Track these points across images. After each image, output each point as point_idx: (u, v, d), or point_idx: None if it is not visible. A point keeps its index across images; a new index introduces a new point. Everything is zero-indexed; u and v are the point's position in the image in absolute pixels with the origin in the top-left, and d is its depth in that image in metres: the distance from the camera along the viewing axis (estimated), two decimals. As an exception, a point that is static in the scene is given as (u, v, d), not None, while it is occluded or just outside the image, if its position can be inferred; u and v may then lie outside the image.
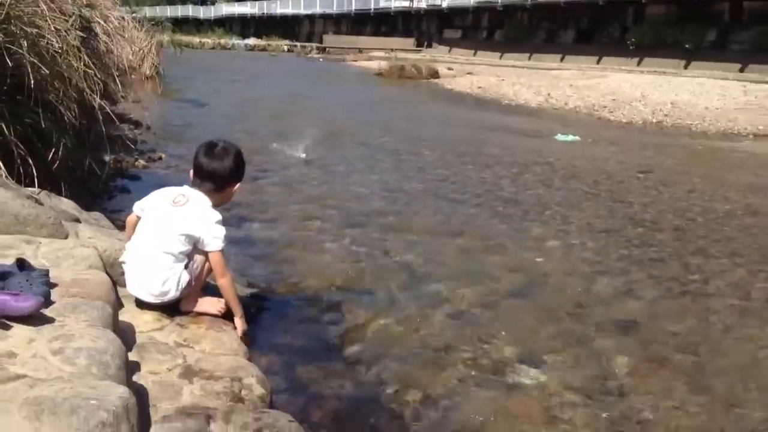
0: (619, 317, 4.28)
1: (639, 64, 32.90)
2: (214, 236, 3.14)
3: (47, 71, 4.73)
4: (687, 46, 31.52)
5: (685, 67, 30.54)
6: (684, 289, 4.87)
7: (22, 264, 2.59)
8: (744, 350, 3.91)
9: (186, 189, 3.28)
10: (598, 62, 34.89)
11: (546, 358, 3.64)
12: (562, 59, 37.62)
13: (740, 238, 6.24)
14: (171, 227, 3.10)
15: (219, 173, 3.29)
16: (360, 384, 3.26)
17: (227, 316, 3.29)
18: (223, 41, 55.27)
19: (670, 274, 5.17)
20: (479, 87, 24.45)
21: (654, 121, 16.59)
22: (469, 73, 29.78)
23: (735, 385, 3.48)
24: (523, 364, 3.54)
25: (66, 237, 3.43)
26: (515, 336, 3.91)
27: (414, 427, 2.93)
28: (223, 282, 3.20)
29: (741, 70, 28.11)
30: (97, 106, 5.75)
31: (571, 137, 12.95)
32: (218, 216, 3.21)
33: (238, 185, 3.40)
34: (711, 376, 3.56)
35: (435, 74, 29.08)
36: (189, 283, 3.14)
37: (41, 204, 3.68)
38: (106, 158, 6.60)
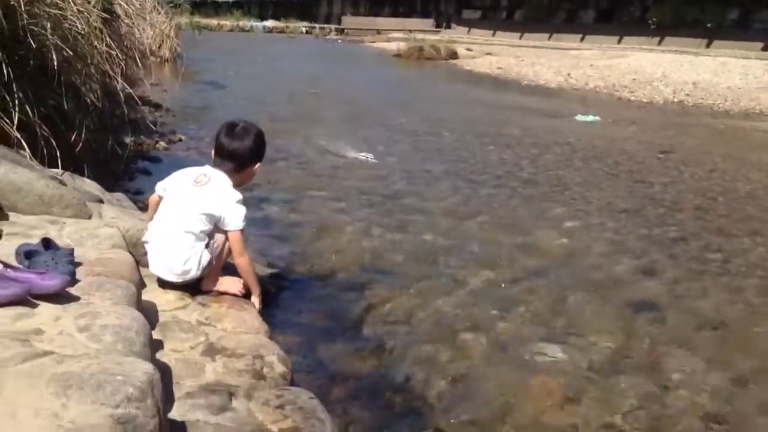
0: (640, 297, 4.27)
1: (660, 43, 32.53)
2: (234, 215, 3.17)
3: (70, 53, 4.76)
4: (708, 25, 31.11)
5: (707, 47, 30.16)
6: (704, 268, 4.84)
7: (47, 243, 2.63)
8: (765, 327, 3.89)
9: (207, 169, 3.31)
10: (618, 42, 34.53)
11: (566, 337, 3.64)
12: (582, 39, 37.26)
13: (762, 218, 6.19)
14: (192, 207, 3.13)
15: (239, 153, 3.31)
16: (379, 363, 3.29)
17: (248, 295, 3.33)
18: (241, 23, 55.17)
19: (690, 253, 5.14)
20: (498, 68, 24.32)
21: (675, 100, 16.43)
22: (488, 54, 29.61)
23: (758, 363, 3.47)
24: (543, 343, 3.55)
25: (89, 217, 3.48)
26: (535, 315, 3.91)
27: (434, 406, 2.95)
28: (242, 261, 3.24)
29: (764, 49, 27.72)
30: (119, 88, 5.78)
31: (591, 117, 12.86)
32: (239, 196, 3.23)
33: (258, 165, 3.42)
34: (733, 355, 3.55)
35: (454, 55, 28.93)
36: (210, 263, 3.17)
37: (65, 185, 3.73)
38: (128, 140, 6.64)
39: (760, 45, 28.26)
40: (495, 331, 3.68)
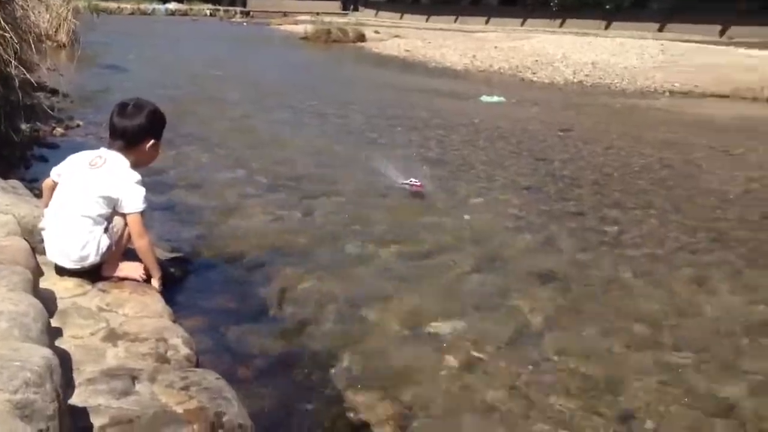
0: (540, 269, 4.42)
1: (561, 25, 33.47)
2: (133, 197, 3.10)
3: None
4: (607, 6, 32.16)
5: (606, 28, 31.25)
6: (601, 239, 5.06)
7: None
8: (656, 295, 4.11)
9: (103, 151, 3.22)
10: (522, 24, 35.34)
11: (470, 311, 3.75)
12: (487, 22, 37.94)
13: (654, 191, 6.49)
14: (89, 190, 3.05)
15: (129, 130, 3.23)
16: (287, 343, 3.30)
17: (150, 280, 3.27)
18: (142, 6, 53.36)
19: (588, 226, 5.36)
20: (406, 50, 24.46)
21: (575, 81, 16.94)
22: (396, 37, 29.74)
23: (648, 328, 3.66)
24: (447, 318, 3.64)
25: (-20, 205, 3.34)
26: (441, 290, 4.01)
27: (341, 382, 2.99)
28: (141, 244, 3.18)
29: (659, 30, 28.87)
30: (13, 74, 5.54)
31: (495, 98, 13.13)
32: (137, 176, 3.17)
33: (152, 142, 3.32)
34: (625, 321, 3.73)
35: (362, 38, 28.93)
36: (109, 248, 3.10)
37: (-47, 172, 3.57)
38: (23, 126, 6.39)
39: (656, 26, 29.44)
40: (401, 307, 3.75)
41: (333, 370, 3.07)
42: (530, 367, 3.20)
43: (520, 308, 3.81)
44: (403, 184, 6.00)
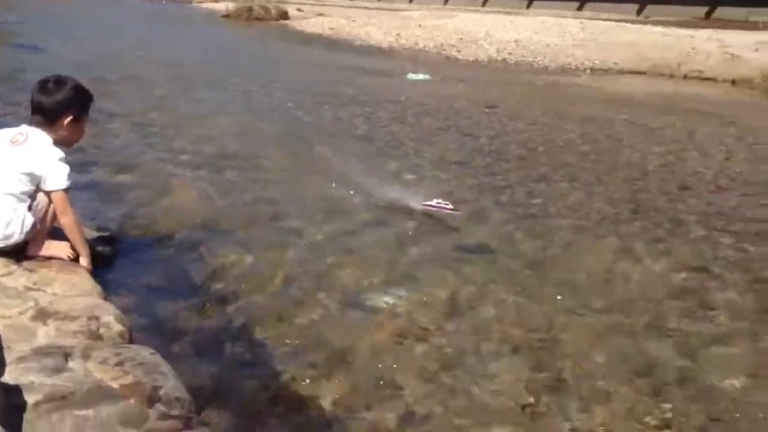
0: (469, 242, 4.50)
1: (484, 4, 33.70)
2: (57, 174, 3.02)
3: None
4: (529, -15, 32.56)
5: (527, 7, 31.61)
6: (528, 212, 5.18)
7: None
8: (583, 263, 4.24)
9: (24, 128, 3.12)
10: (445, 3, 35.41)
11: (401, 283, 3.80)
12: (410, 0, 37.89)
13: (578, 164, 6.67)
14: (11, 167, 2.96)
15: (47, 105, 3.13)
16: (221, 319, 3.29)
17: (78, 259, 3.19)
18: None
19: (515, 199, 5.47)
20: (330, 28, 24.27)
21: (499, 58, 17.16)
22: (320, 15, 29.42)
23: (576, 294, 3.78)
24: (379, 290, 3.69)
25: None
26: (373, 264, 4.04)
27: (277, 355, 3.00)
28: (65, 220, 3.10)
29: (578, 9, 29.45)
30: None
31: (421, 76, 13.20)
32: (61, 154, 3.08)
33: (70, 118, 3.20)
34: (555, 289, 3.84)
35: (285, 15, 28.52)
36: (34, 225, 3.02)
37: None
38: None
39: (575, 5, 29.99)
40: (334, 281, 3.78)
41: (268, 345, 3.08)
42: (464, 335, 3.28)
43: (453, 279, 3.88)
44: (426, 206, 4.96)
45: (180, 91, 9.64)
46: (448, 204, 4.91)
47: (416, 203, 4.97)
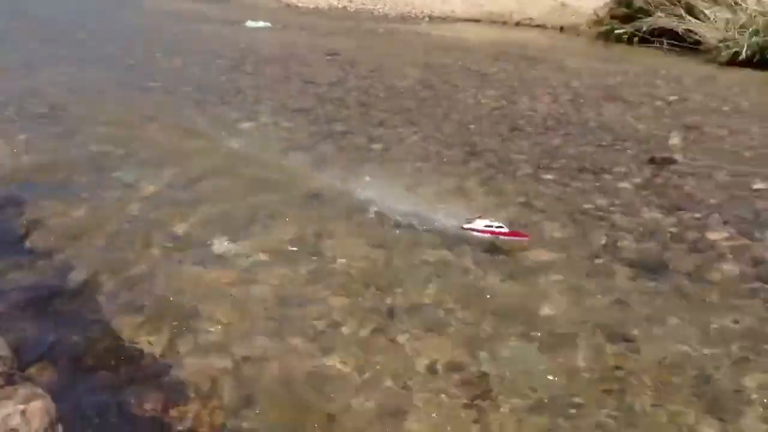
0: (312, 187, 4.53)
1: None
2: None
3: None
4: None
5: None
6: (367, 156, 5.26)
7: None
8: (417, 205, 4.39)
9: None
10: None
11: (242, 228, 3.78)
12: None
13: (417, 110, 6.82)
14: None
15: None
16: (47, 275, 3.13)
17: None
18: None
19: (356, 144, 5.54)
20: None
21: (339, 6, 17.12)
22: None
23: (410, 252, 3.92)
24: (221, 237, 3.64)
25: None
26: (212, 212, 3.98)
27: (107, 308, 2.91)
28: None
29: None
30: None
31: (261, 23, 12.98)
32: None
33: None
34: (383, 230, 3.95)
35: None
36: None
37: None
38: None
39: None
40: (171, 230, 3.70)
41: (99, 298, 2.98)
42: (305, 274, 3.34)
43: (293, 224, 3.89)
44: (469, 229, 3.84)
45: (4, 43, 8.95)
46: (501, 224, 3.85)
47: (456, 225, 3.90)
